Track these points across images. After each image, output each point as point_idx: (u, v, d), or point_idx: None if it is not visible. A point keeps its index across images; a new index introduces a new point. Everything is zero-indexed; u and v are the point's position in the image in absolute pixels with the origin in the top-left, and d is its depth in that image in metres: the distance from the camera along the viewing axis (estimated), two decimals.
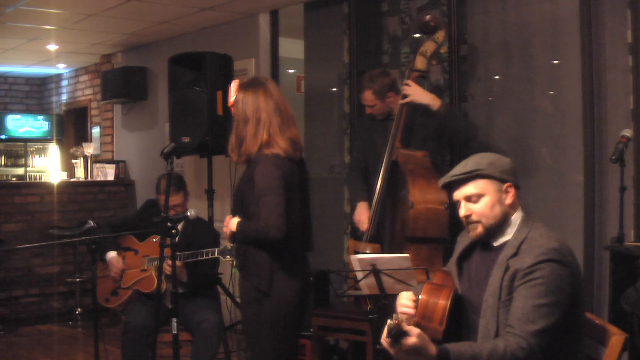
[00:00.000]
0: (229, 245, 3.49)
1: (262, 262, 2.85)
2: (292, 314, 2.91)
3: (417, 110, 3.76)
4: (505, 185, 2.27)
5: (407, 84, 3.74)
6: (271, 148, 2.87)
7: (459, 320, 2.32)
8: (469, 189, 2.28)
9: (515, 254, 2.18)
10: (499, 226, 2.27)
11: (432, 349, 2.01)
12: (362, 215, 3.93)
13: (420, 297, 2.30)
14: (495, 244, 2.30)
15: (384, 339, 2.01)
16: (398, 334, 1.96)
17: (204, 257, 3.85)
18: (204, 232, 4.13)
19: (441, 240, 3.54)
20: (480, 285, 2.26)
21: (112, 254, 4.04)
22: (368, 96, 3.87)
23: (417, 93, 3.72)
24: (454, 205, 2.37)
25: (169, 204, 3.92)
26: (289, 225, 2.80)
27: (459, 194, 2.31)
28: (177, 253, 3.77)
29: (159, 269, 3.39)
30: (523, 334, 2.04)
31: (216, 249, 3.83)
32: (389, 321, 1.98)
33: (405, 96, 3.73)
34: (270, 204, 2.78)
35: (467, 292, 2.34)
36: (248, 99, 2.93)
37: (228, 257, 3.75)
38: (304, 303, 2.98)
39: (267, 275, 2.84)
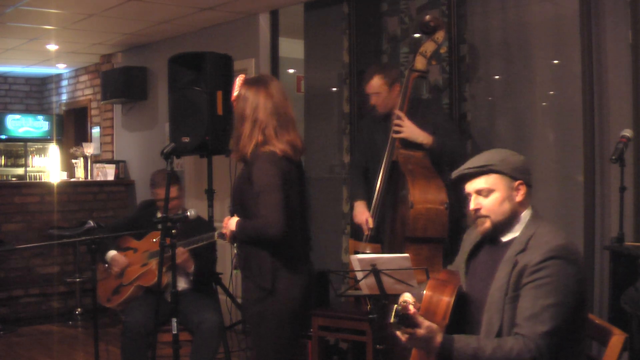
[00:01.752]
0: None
1: (264, 260, 2.84)
2: (296, 312, 2.90)
3: (416, 110, 3.75)
4: (516, 183, 2.28)
5: (400, 120, 3.68)
6: (268, 147, 2.85)
7: (463, 317, 2.32)
8: (480, 182, 2.29)
9: (523, 250, 2.19)
10: (506, 223, 2.28)
11: (438, 338, 2.06)
12: (364, 214, 3.86)
13: (424, 292, 2.30)
14: (504, 239, 2.30)
15: (391, 321, 2.03)
16: (403, 319, 1.99)
17: (204, 242, 3.86)
18: (203, 231, 4.13)
19: (441, 240, 3.54)
20: (485, 280, 2.26)
21: (113, 252, 4.06)
22: (377, 82, 3.79)
23: (409, 131, 3.67)
24: (453, 206, 2.38)
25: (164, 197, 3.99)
26: (288, 222, 2.79)
27: (470, 186, 2.32)
28: (178, 242, 3.84)
29: (159, 265, 3.39)
30: (532, 335, 2.05)
31: (215, 232, 3.83)
32: (395, 306, 2.01)
33: (397, 132, 3.69)
34: (269, 201, 2.76)
35: (472, 288, 2.34)
36: (248, 96, 2.90)
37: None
38: (307, 301, 2.98)
39: (270, 273, 2.83)
